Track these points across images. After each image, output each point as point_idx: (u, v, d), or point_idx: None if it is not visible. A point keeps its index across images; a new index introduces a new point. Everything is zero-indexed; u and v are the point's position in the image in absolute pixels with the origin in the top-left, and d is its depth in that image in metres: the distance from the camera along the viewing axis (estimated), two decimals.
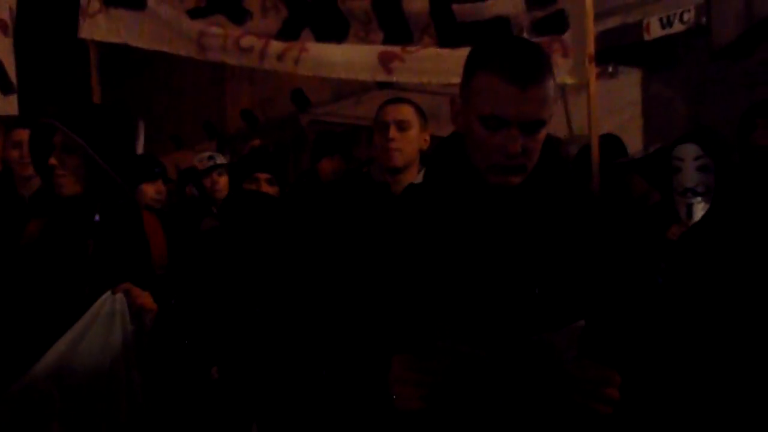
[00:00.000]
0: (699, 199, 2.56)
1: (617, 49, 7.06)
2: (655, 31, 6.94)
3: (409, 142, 2.74)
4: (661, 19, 6.96)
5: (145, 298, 2.30)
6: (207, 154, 4.97)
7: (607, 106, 7.13)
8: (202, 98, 11.99)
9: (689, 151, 2.63)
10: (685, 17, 6.72)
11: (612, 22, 7.12)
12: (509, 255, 1.52)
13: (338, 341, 1.64)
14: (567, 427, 1.48)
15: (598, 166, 3.16)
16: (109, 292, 2.29)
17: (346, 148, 4.44)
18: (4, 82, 3.70)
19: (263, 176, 3.19)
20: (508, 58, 1.48)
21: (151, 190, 3.87)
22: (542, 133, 1.53)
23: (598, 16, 6.83)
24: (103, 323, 2.27)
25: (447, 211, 1.58)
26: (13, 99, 3.72)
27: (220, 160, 4.65)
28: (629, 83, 7.39)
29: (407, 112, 2.81)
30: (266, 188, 3.19)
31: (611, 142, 3.97)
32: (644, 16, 6.98)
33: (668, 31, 6.82)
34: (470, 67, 1.56)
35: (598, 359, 1.44)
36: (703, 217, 2.48)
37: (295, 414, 2.78)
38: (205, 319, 2.88)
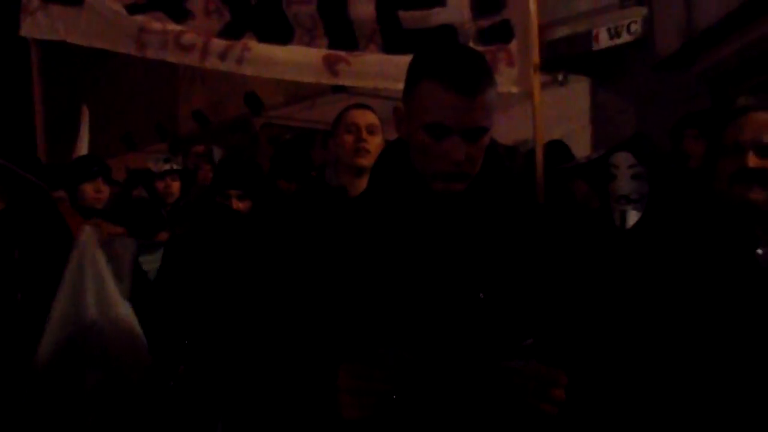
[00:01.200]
0: (633, 206, 2.62)
1: (567, 58, 7.21)
2: (604, 41, 7.10)
3: (376, 146, 2.76)
4: (609, 30, 7.12)
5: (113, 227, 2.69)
6: (164, 156, 4.92)
7: (557, 114, 7.28)
8: (154, 99, 11.84)
9: (623, 159, 2.69)
10: (632, 28, 6.89)
11: (562, 32, 7.26)
12: (454, 260, 1.54)
13: (288, 349, 1.63)
14: (512, 429, 1.51)
15: (543, 173, 3.22)
16: (86, 226, 2.64)
17: (305, 172, 4.41)
18: None
19: (234, 192, 3.21)
20: (451, 67, 1.49)
21: (90, 190, 3.80)
22: (485, 141, 1.54)
23: (549, 26, 6.98)
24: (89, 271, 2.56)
25: (392, 218, 1.58)
26: None
27: (176, 165, 4.61)
28: (578, 92, 7.55)
29: (375, 118, 2.83)
30: (237, 205, 3.22)
31: (558, 149, 4.05)
32: (593, 26, 7.14)
33: (616, 41, 6.99)
34: (413, 76, 1.57)
35: (544, 361, 1.47)
36: (636, 224, 2.54)
37: (260, 413, 2.79)
38: (172, 317, 2.91)
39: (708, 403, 1.81)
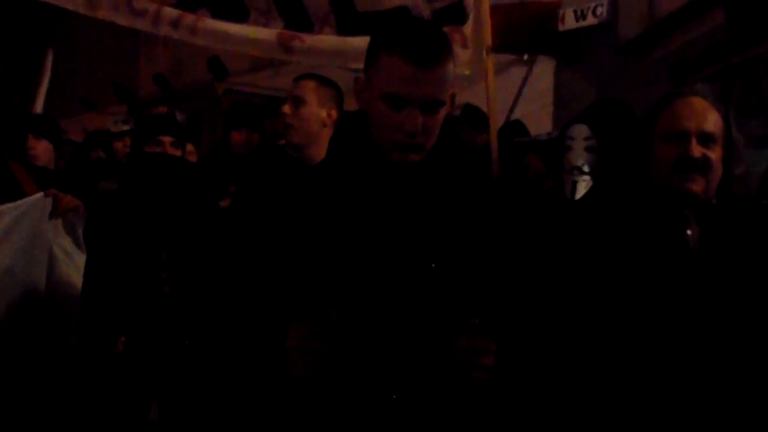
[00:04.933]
0: (584, 177, 2.69)
1: (532, 37, 7.23)
2: (570, 22, 7.14)
3: (303, 119, 2.75)
4: (575, 12, 7.16)
5: (70, 199, 2.80)
6: (122, 118, 4.86)
7: (521, 94, 7.33)
8: (114, 60, 11.59)
9: (580, 131, 2.76)
10: (598, 11, 6.93)
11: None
12: (407, 230, 1.59)
13: (239, 310, 1.67)
14: (446, 392, 1.56)
15: (497, 154, 3.27)
16: (41, 194, 2.77)
17: (255, 121, 4.39)
18: None
19: (167, 139, 3.11)
20: (410, 40, 1.54)
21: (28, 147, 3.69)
22: (441, 113, 1.60)
23: (516, 6, 6.99)
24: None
25: (348, 186, 1.63)
26: None
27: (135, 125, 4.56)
28: (542, 72, 7.59)
29: (304, 88, 2.81)
30: (171, 151, 3.12)
31: (515, 128, 4.09)
32: (561, 7, 7.16)
33: (581, 23, 7.03)
34: (374, 48, 1.61)
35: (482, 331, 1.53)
36: (583, 196, 2.61)
37: (195, 390, 2.78)
38: (110, 287, 2.85)
39: (638, 385, 1.87)
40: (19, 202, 2.56)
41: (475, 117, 4.66)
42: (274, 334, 1.54)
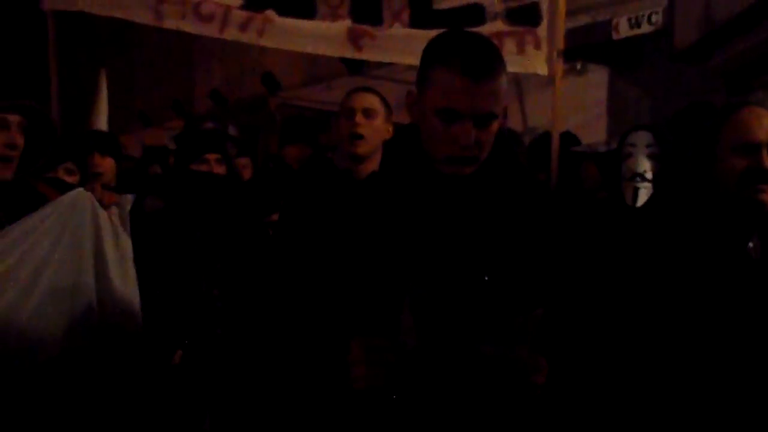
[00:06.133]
0: (646, 184, 2.66)
1: (586, 46, 7.15)
2: (624, 30, 7.04)
3: (374, 130, 2.75)
4: (629, 20, 7.06)
5: (111, 194, 2.77)
6: (179, 133, 4.96)
7: (573, 104, 7.24)
8: (171, 76, 11.86)
9: (642, 138, 2.73)
10: (653, 19, 6.82)
11: (582, 20, 7.20)
12: (460, 242, 1.59)
13: (298, 325, 1.68)
14: (500, 409, 1.56)
15: (558, 159, 3.24)
16: (80, 189, 2.59)
17: (311, 135, 4.45)
18: None
19: (213, 156, 3.14)
20: (463, 53, 1.54)
21: (88, 164, 3.76)
22: (494, 126, 1.60)
23: (569, 13, 6.92)
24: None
25: (402, 199, 1.64)
26: None
27: None
28: (596, 81, 7.49)
29: (374, 101, 2.83)
30: (216, 168, 3.15)
31: (567, 139, 4.05)
32: (614, 15, 7.08)
33: (636, 31, 6.93)
34: (426, 61, 1.62)
35: (541, 341, 1.52)
36: (646, 203, 2.58)
37: (248, 407, 2.79)
38: (166, 303, 2.88)
39: (697, 393, 1.83)
40: (60, 199, 2.49)
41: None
42: (333, 348, 1.55)
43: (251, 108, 10.20)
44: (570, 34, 7.04)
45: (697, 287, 1.87)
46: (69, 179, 3.49)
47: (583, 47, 7.08)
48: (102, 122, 4.97)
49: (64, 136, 4.02)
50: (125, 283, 2.64)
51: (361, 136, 2.72)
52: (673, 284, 1.89)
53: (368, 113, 2.77)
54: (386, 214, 1.63)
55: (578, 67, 7.67)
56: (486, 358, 1.50)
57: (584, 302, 1.72)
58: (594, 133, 6.86)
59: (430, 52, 1.62)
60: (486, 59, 1.54)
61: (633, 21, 6.99)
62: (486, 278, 1.58)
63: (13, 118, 2.44)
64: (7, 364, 2.30)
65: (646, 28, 6.82)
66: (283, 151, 4.47)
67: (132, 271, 2.65)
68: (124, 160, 4.57)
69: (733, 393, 1.81)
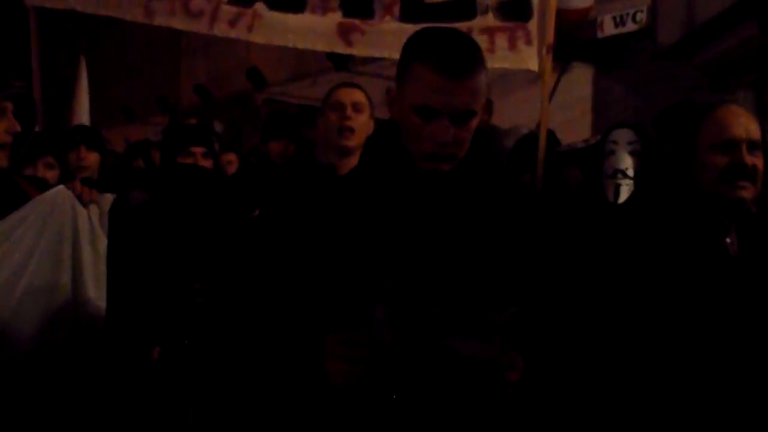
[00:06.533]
0: (628, 181, 2.67)
1: (570, 45, 7.18)
2: (609, 29, 7.07)
3: (362, 124, 2.76)
4: (614, 18, 7.08)
5: (92, 192, 2.69)
6: (162, 128, 4.93)
7: (558, 101, 7.27)
8: (155, 71, 11.81)
9: (623, 135, 2.75)
10: (638, 17, 6.86)
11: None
12: (435, 239, 1.59)
13: (275, 319, 1.68)
14: (474, 405, 1.57)
15: (544, 157, 3.24)
16: (61, 186, 2.61)
17: (294, 130, 4.42)
18: None
19: (199, 149, 3.12)
20: (442, 51, 1.54)
21: (72, 158, 3.75)
22: (473, 124, 1.59)
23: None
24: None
25: (380, 195, 1.64)
26: None
27: None
28: (581, 79, 7.53)
29: (361, 96, 2.83)
30: (202, 162, 3.13)
31: (548, 139, 4.05)
32: (598, 13, 7.10)
33: (621, 29, 6.96)
34: (405, 58, 1.61)
35: (515, 336, 1.53)
36: (627, 200, 2.59)
37: (231, 398, 2.79)
38: (145, 298, 2.87)
39: (676, 390, 1.85)
40: (39, 198, 2.49)
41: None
42: (310, 344, 1.55)
43: (236, 103, 10.17)
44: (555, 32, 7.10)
45: (675, 283, 1.88)
46: (49, 173, 3.46)
47: (568, 45, 7.11)
48: (84, 117, 4.91)
49: (44, 130, 3.99)
50: (100, 283, 2.66)
51: (352, 129, 2.72)
52: (653, 280, 1.90)
53: (357, 107, 2.77)
54: (363, 209, 1.63)
55: (561, 65, 7.71)
56: (457, 355, 1.50)
57: (561, 300, 1.73)
58: (579, 130, 6.89)
59: (409, 48, 1.62)
60: (464, 57, 1.54)
61: (618, 19, 7.02)
62: (463, 273, 1.58)
63: (9, 105, 2.40)
64: None
65: (630, 27, 6.85)
66: (267, 146, 4.45)
67: (104, 272, 2.67)
68: (107, 155, 4.54)
69: (712, 388, 1.83)
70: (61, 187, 2.62)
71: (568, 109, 7.40)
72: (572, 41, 7.12)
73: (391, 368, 1.53)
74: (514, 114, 6.76)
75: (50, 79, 3.94)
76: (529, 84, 5.60)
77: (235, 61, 9.92)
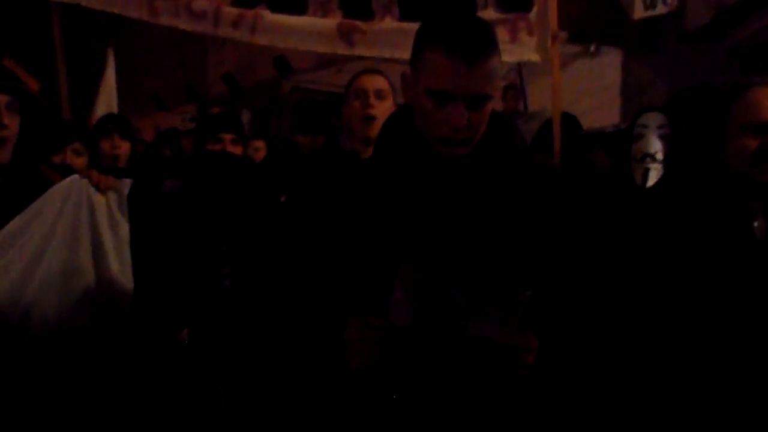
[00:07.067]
0: (656, 165, 2.63)
1: (599, 28, 7.11)
2: (639, 12, 6.96)
3: (385, 111, 2.75)
4: (644, 1, 6.98)
5: (108, 178, 2.69)
6: (189, 116, 4.97)
7: (587, 86, 7.20)
8: (184, 60, 11.90)
9: (654, 119, 2.71)
10: (669, 0, 6.75)
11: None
12: (451, 222, 1.59)
13: (296, 302, 1.70)
14: (489, 387, 1.58)
15: (560, 143, 3.22)
16: (75, 176, 2.62)
17: (322, 123, 4.43)
18: None
19: (228, 136, 3.15)
20: (455, 35, 1.54)
21: (106, 146, 3.82)
22: (487, 108, 1.59)
23: None
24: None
25: (396, 179, 1.64)
26: None
27: None
28: (610, 63, 7.44)
29: (384, 83, 2.83)
30: (231, 148, 3.17)
31: (567, 121, 4.02)
32: None
33: (651, 12, 6.84)
34: (419, 43, 1.61)
35: (528, 325, 1.53)
36: (656, 184, 2.56)
37: (259, 376, 2.83)
38: (174, 281, 2.92)
39: (702, 374, 1.83)
40: (55, 187, 2.56)
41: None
42: (331, 326, 1.57)
43: (264, 91, 10.21)
44: (583, 16, 7.01)
45: (702, 266, 1.86)
46: (77, 160, 3.53)
47: (597, 29, 7.04)
48: (112, 106, 4.98)
49: (72, 118, 4.04)
50: (122, 266, 2.70)
51: (374, 118, 2.72)
52: (679, 264, 1.89)
53: (380, 94, 2.78)
54: (381, 193, 1.64)
55: (592, 49, 7.63)
56: (474, 337, 1.50)
57: (579, 283, 1.72)
58: (608, 115, 6.83)
59: (422, 33, 1.62)
60: (478, 41, 1.54)
61: (648, 2, 6.90)
62: (480, 255, 1.58)
63: (1, 98, 2.41)
64: (11, 340, 2.38)
65: (661, 9, 6.73)
66: (295, 138, 4.47)
67: (128, 255, 2.71)
68: (137, 143, 4.60)
69: (738, 374, 1.81)
70: (75, 176, 2.66)
71: (598, 95, 7.33)
72: (600, 25, 7.06)
73: (409, 351, 1.54)
74: (543, 99, 6.72)
75: (78, 71, 3.99)
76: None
77: (261, 50, 9.93)
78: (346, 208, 1.66)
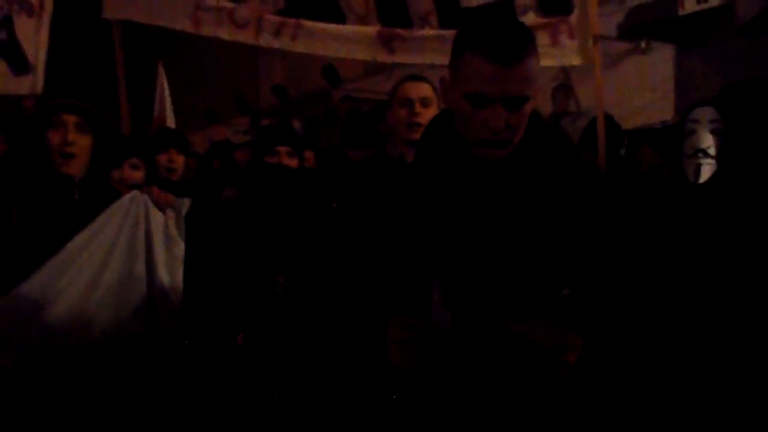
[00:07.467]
0: (709, 160, 2.58)
1: (650, 24, 6.98)
2: (690, 5, 6.82)
3: (429, 119, 2.77)
4: None
5: (168, 196, 2.80)
6: (243, 128, 5.08)
7: (639, 83, 7.07)
8: (235, 73, 12.10)
9: (705, 114, 2.66)
10: None
11: None
12: (493, 222, 1.60)
13: (343, 306, 1.73)
14: (531, 387, 1.58)
15: (605, 142, 3.20)
16: (136, 191, 2.76)
17: (371, 137, 4.47)
18: (18, 61, 3.78)
19: (284, 149, 3.24)
20: (492, 38, 1.55)
21: (163, 160, 3.95)
22: (526, 109, 1.60)
23: None
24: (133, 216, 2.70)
25: (438, 182, 1.66)
26: (27, 79, 3.79)
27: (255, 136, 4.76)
28: (662, 59, 7.29)
29: (428, 90, 2.85)
30: (287, 161, 3.25)
31: (608, 121, 3.98)
32: None
33: (703, 6, 6.71)
34: (457, 47, 1.64)
35: (567, 324, 1.52)
36: (710, 179, 2.51)
37: (313, 378, 2.88)
38: (229, 288, 2.99)
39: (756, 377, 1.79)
40: (117, 203, 2.68)
41: None
42: (375, 327, 1.60)
43: (314, 101, 10.31)
44: (634, 12, 6.90)
45: (758, 263, 1.82)
46: (135, 174, 3.65)
47: (648, 25, 6.91)
48: (169, 120, 5.10)
49: (132, 133, 4.18)
50: (173, 281, 2.80)
51: (420, 125, 2.74)
52: (734, 261, 1.85)
53: (425, 102, 2.80)
54: (422, 196, 1.67)
55: (643, 45, 7.48)
56: (515, 337, 1.51)
57: (628, 282, 1.70)
58: (662, 112, 6.70)
59: (460, 37, 1.64)
60: (513, 44, 1.55)
61: None
62: (520, 257, 1.58)
63: (69, 118, 2.57)
64: (72, 348, 2.50)
65: (712, 2, 6.59)
66: (346, 151, 4.52)
67: (179, 271, 2.80)
68: (190, 156, 4.71)
69: None
70: (135, 191, 2.77)
71: (650, 91, 7.20)
72: (651, 21, 6.93)
73: (451, 351, 1.55)
74: (594, 98, 6.63)
75: (134, 87, 4.12)
76: (608, 68, 5.44)
77: (310, 60, 10.04)
78: (390, 211, 1.69)
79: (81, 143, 2.58)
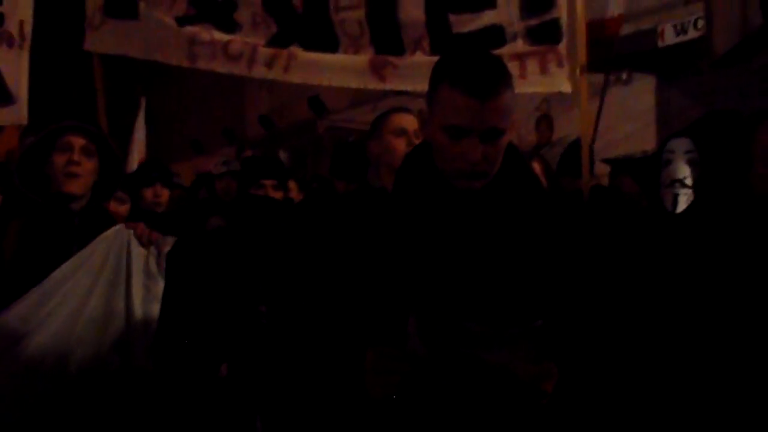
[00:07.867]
0: (686, 190, 2.62)
1: (631, 56, 7.08)
2: (670, 37, 6.94)
3: None
4: (675, 26, 6.95)
5: (153, 233, 2.76)
6: (224, 159, 5.10)
7: (621, 113, 7.16)
8: (222, 104, 12.15)
9: (681, 144, 2.70)
10: (699, 24, 6.69)
11: (626, 29, 7.13)
12: (470, 253, 1.61)
13: (320, 336, 1.73)
14: (508, 416, 1.58)
15: (589, 170, 3.23)
16: (120, 226, 2.71)
17: (360, 170, 4.49)
18: (2, 93, 3.77)
19: (269, 182, 3.27)
20: (468, 72, 1.57)
21: (149, 194, 3.96)
22: (502, 141, 1.62)
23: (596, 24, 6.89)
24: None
25: (415, 212, 1.68)
26: (12, 110, 3.79)
27: (235, 166, 4.77)
28: (643, 90, 7.40)
29: (416, 122, 2.87)
30: (272, 193, 3.28)
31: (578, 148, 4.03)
32: (658, 23, 6.99)
33: (682, 38, 6.82)
34: (434, 81, 1.66)
35: (542, 354, 1.53)
36: (687, 209, 2.54)
37: (295, 407, 2.86)
38: (212, 318, 2.98)
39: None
40: (101, 236, 2.68)
41: None
42: (352, 357, 1.60)
43: (300, 132, 10.37)
44: (615, 43, 7.01)
45: (732, 289, 1.85)
46: (121, 208, 3.65)
47: (629, 56, 7.01)
48: (141, 153, 5.13)
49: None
50: (148, 319, 2.80)
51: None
52: (709, 287, 1.87)
53: (416, 133, 2.82)
54: (399, 227, 1.68)
55: (624, 76, 7.60)
56: (491, 367, 1.51)
57: (605, 309, 1.72)
58: (644, 142, 6.78)
59: (437, 71, 1.66)
60: (489, 78, 1.57)
61: (678, 28, 6.88)
62: (498, 286, 1.59)
63: (77, 141, 2.57)
64: (52, 382, 2.48)
65: (692, 34, 6.70)
66: (334, 182, 4.54)
67: (156, 309, 2.80)
68: (174, 187, 4.72)
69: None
70: (120, 225, 2.76)
71: (632, 121, 7.29)
72: (632, 53, 7.03)
73: (428, 380, 1.55)
74: (574, 129, 6.71)
75: (114, 120, 4.12)
76: (590, 98, 5.49)
77: (296, 91, 10.13)
78: (368, 241, 1.69)
79: (86, 166, 2.58)
